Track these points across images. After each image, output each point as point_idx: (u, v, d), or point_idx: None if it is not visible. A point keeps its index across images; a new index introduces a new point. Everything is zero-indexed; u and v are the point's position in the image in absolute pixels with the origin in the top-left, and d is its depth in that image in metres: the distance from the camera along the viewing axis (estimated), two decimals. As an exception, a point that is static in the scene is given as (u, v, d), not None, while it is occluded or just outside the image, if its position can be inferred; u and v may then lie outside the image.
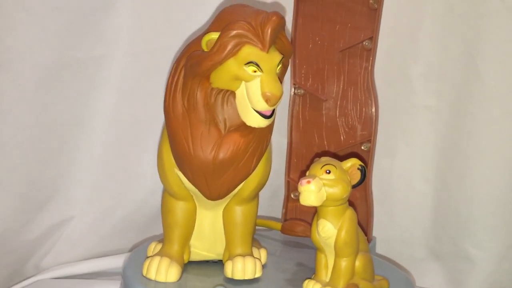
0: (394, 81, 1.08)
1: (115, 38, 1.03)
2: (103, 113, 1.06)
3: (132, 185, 1.10)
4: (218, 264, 0.87)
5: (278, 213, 1.06)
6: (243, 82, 0.77)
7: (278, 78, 0.78)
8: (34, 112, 1.01)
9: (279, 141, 1.06)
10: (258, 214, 0.91)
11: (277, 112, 0.80)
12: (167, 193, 0.86)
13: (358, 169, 0.80)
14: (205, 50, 0.77)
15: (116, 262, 1.05)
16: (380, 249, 1.08)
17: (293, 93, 1.02)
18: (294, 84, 1.02)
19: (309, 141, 1.03)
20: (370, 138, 0.99)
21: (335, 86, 1.01)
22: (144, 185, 1.10)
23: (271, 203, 1.13)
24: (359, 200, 1.01)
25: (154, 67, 1.05)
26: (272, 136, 0.84)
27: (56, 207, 1.07)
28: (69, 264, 1.06)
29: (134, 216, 1.11)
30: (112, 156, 1.09)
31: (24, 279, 1.03)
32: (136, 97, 1.07)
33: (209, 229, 0.87)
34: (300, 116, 1.03)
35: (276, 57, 0.77)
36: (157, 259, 0.83)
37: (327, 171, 0.78)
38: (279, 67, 0.78)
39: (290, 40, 0.90)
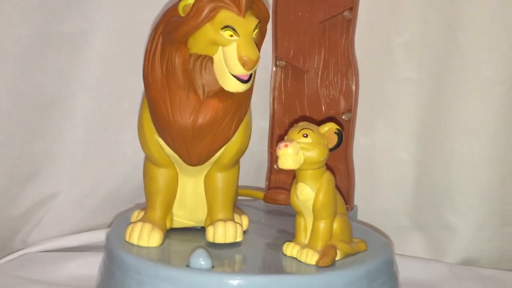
0: (376, 53, 1.09)
1: (97, 12, 1.04)
2: (86, 87, 1.07)
3: (117, 159, 1.11)
4: (200, 230, 0.88)
5: (262, 187, 1.07)
6: (220, 47, 0.77)
7: (256, 44, 0.79)
8: (18, 87, 1.02)
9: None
10: (242, 184, 0.91)
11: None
12: (149, 161, 0.86)
13: (335, 133, 0.81)
14: (182, 15, 0.77)
15: (102, 236, 1.04)
16: (363, 220, 1.09)
17: (275, 65, 1.03)
18: (276, 56, 1.03)
19: (291, 112, 1.04)
20: (351, 108, 1.00)
21: (316, 57, 1.02)
22: (129, 159, 1.10)
23: (256, 177, 1.14)
24: (343, 173, 1.02)
25: (136, 41, 1.05)
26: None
27: (42, 182, 1.08)
28: (55, 238, 1.06)
29: (119, 190, 1.12)
30: (97, 131, 1.09)
31: (11, 253, 1.04)
32: (119, 71, 1.07)
33: (191, 197, 0.87)
34: (282, 88, 1.04)
35: (252, 21, 0.78)
36: (139, 224, 0.84)
37: (305, 135, 0.79)
38: (255, 32, 0.78)
39: (270, 10, 0.91)
